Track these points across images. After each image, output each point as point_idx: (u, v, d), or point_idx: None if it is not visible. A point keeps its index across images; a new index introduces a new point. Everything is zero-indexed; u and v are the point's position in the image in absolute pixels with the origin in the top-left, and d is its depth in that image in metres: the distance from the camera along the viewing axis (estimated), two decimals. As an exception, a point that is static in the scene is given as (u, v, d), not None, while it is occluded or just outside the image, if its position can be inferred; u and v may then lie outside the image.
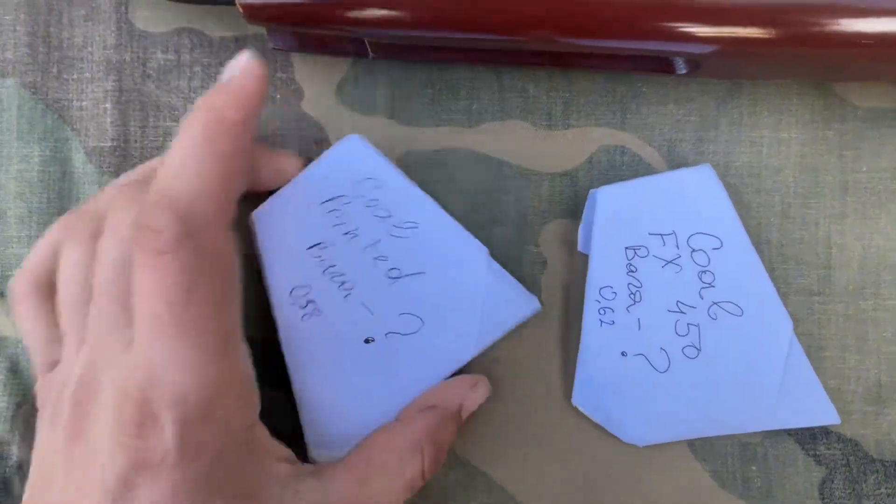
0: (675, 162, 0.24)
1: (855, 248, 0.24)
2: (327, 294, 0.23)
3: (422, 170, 0.24)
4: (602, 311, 0.23)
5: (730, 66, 0.21)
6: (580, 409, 0.23)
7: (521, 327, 0.24)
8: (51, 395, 0.19)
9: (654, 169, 0.24)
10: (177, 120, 0.24)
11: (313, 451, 0.23)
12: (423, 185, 0.24)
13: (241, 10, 0.19)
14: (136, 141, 0.24)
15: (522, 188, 0.24)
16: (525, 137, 0.24)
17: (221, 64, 0.24)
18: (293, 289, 0.23)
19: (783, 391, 0.23)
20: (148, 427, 0.16)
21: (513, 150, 0.24)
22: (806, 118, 0.24)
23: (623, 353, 0.23)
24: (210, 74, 0.24)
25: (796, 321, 0.24)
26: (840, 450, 0.24)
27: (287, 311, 0.23)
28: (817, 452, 0.24)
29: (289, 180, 0.22)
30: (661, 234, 0.23)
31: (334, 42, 0.22)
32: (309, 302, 0.23)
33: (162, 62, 0.24)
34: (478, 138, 0.24)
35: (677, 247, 0.23)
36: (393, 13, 0.19)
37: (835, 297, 0.24)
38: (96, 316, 0.17)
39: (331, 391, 0.23)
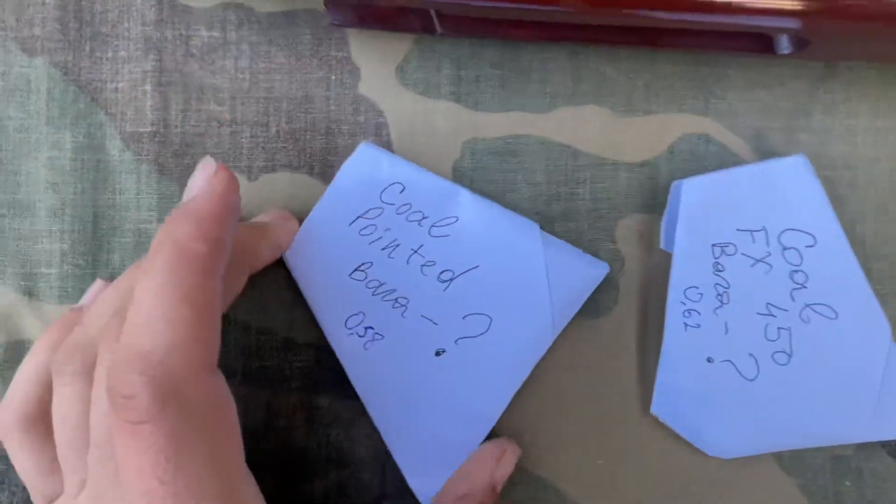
0: (764, 152, 0.22)
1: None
2: (384, 316, 0.21)
3: (488, 158, 0.22)
4: (686, 314, 0.21)
5: (840, 44, 0.19)
6: (660, 419, 0.22)
7: (597, 332, 0.22)
8: None
9: (741, 159, 0.22)
10: (222, 104, 0.22)
11: (411, 481, 0.21)
12: (491, 176, 0.22)
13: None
14: (176, 126, 0.22)
15: (598, 179, 0.22)
16: (601, 124, 0.22)
17: (271, 42, 0.22)
18: (347, 319, 0.21)
19: (880, 401, 0.22)
20: None
21: (588, 137, 0.22)
22: (905, 104, 0.22)
23: (709, 360, 0.22)
24: (258, 53, 0.22)
25: (894, 325, 0.22)
26: (938, 464, 0.23)
27: (346, 343, 0.21)
28: (915, 467, 0.22)
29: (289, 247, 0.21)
30: (751, 231, 0.21)
31: (398, 16, 0.20)
32: (367, 329, 0.21)
33: (206, 40, 0.22)
34: (549, 125, 0.22)
35: (767, 244, 0.22)
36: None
37: (934, 298, 0.23)
38: (95, 466, 0.16)
39: (413, 416, 0.21)
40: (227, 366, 0.22)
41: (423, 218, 0.21)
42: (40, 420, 0.18)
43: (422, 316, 0.21)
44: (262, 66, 0.22)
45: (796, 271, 0.22)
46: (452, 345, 0.21)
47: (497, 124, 0.22)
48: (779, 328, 0.22)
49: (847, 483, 0.22)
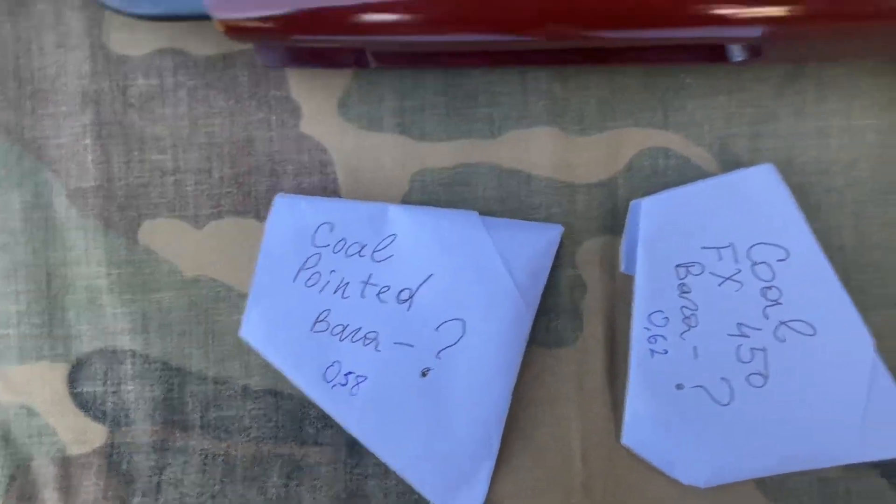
0: (729, 162, 0.21)
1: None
2: (360, 357, 0.21)
3: (439, 190, 0.21)
4: (652, 340, 0.20)
5: (795, 49, 0.18)
6: (632, 449, 0.21)
7: (561, 361, 0.21)
8: None
9: (705, 172, 0.21)
10: (164, 152, 0.21)
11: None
12: (441, 206, 0.21)
13: (220, 28, 0.16)
14: (120, 179, 0.21)
15: (554, 203, 0.21)
16: (554, 146, 0.21)
17: (209, 86, 0.21)
18: (324, 373, 0.21)
19: (866, 419, 0.20)
20: None
21: (540, 160, 0.21)
22: (883, 101, 0.21)
23: (678, 386, 0.21)
24: (197, 98, 0.21)
25: (878, 337, 0.21)
26: (937, 482, 0.21)
27: (332, 396, 0.21)
28: (910, 485, 0.21)
29: None
30: (717, 248, 0.20)
31: (331, 53, 0.19)
32: (347, 375, 0.21)
33: (143, 88, 0.21)
34: (500, 150, 0.21)
35: (736, 261, 0.20)
36: (392, 17, 0.16)
37: (923, 305, 0.21)
38: None
39: (422, 442, 0.21)
40: (184, 418, 0.22)
41: (362, 247, 0.21)
42: None
43: (395, 343, 0.21)
44: (202, 110, 0.21)
45: (769, 287, 0.20)
46: (435, 360, 0.21)
47: (445, 154, 0.21)
48: (752, 349, 0.21)
49: (836, 507, 0.21)
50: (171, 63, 0.21)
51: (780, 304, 0.20)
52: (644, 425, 0.21)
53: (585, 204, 0.21)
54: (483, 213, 0.21)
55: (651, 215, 0.20)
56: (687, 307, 0.20)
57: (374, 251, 0.21)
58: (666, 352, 0.20)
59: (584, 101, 0.21)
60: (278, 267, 0.21)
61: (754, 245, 0.20)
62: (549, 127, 0.21)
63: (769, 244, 0.20)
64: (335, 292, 0.21)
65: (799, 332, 0.20)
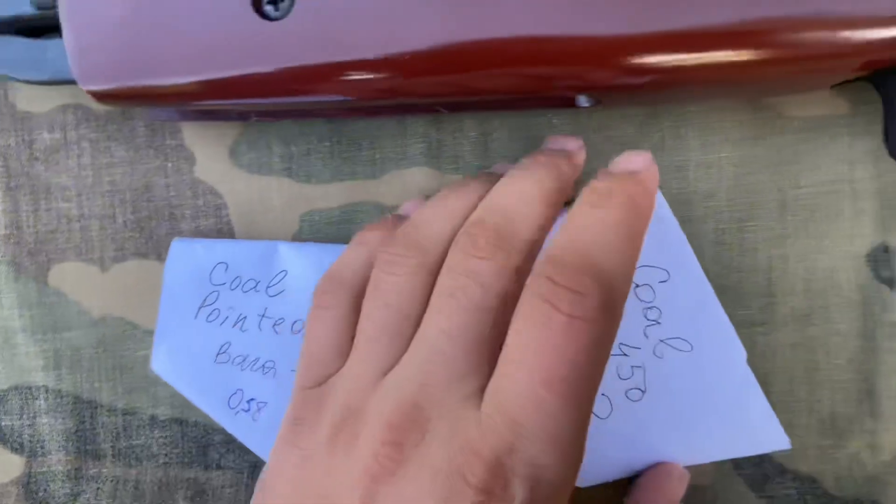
0: (597, 195, 0.23)
1: (798, 272, 0.22)
2: (259, 385, 0.22)
3: (327, 229, 0.23)
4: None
5: (637, 100, 0.20)
6: None
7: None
8: (329, 407, 0.17)
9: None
10: (69, 200, 0.23)
11: None
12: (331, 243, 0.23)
13: (90, 96, 0.18)
14: (29, 226, 0.23)
15: (435, 238, 0.23)
16: (432, 184, 0.23)
17: (109, 137, 0.23)
18: (228, 400, 0.22)
19: (733, 421, 0.22)
20: (495, 495, 0.14)
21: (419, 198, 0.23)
22: (736, 136, 0.22)
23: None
24: (99, 149, 0.23)
25: (740, 355, 0.22)
26: (796, 489, 0.23)
27: (237, 422, 0.22)
28: (771, 494, 0.23)
29: None
30: None
31: (216, 110, 0.21)
32: (250, 402, 0.22)
33: (49, 142, 0.23)
34: (381, 189, 0.23)
35: None
36: (258, 95, 0.18)
37: (779, 326, 0.22)
38: (433, 356, 0.16)
39: None
40: (96, 448, 0.23)
41: (257, 283, 0.22)
42: (356, 298, 0.19)
43: (291, 370, 0.22)
44: (104, 160, 0.23)
45: (649, 308, 0.22)
46: None
47: (331, 195, 0.23)
48: (632, 366, 0.22)
49: (703, 514, 0.23)
50: (74, 118, 0.23)
51: (659, 323, 0.22)
52: None
53: (463, 238, 0.23)
54: (368, 249, 0.23)
55: None
56: None
57: (267, 286, 0.22)
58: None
59: (458, 143, 0.23)
60: (180, 305, 0.22)
61: (638, 268, 0.22)
62: (427, 167, 0.23)
63: (652, 266, 0.22)
64: (234, 326, 0.22)
65: (677, 349, 0.22)
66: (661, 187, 0.22)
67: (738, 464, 0.23)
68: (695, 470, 0.23)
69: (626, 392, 0.22)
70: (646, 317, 0.22)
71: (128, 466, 0.23)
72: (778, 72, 0.17)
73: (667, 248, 0.22)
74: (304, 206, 0.23)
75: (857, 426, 0.22)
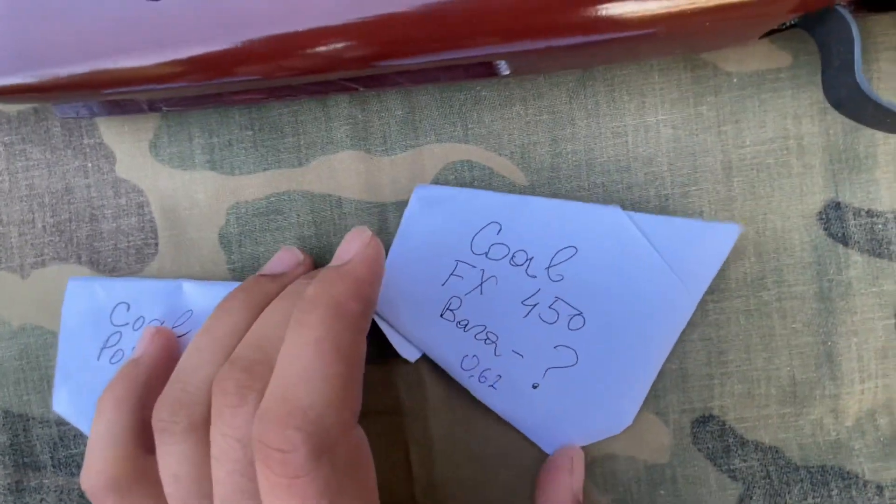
0: (532, 168, 0.22)
1: (747, 235, 0.21)
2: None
3: (254, 220, 0.22)
4: (482, 378, 0.21)
5: (560, 61, 0.19)
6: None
7: (399, 376, 0.22)
8: None
9: (509, 180, 0.22)
10: (-12, 208, 0.22)
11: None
12: (259, 237, 0.22)
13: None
14: (-53, 237, 0.22)
15: (367, 223, 0.22)
16: (360, 167, 0.22)
17: (24, 140, 0.22)
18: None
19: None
20: None
21: (349, 183, 0.22)
22: (674, 96, 0.21)
23: (535, 386, 0.21)
24: (14, 153, 0.22)
25: (690, 326, 0.21)
26: (758, 460, 0.22)
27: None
28: (732, 467, 0.22)
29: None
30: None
31: (123, 101, 0.20)
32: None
33: (-39, 147, 0.22)
34: (309, 177, 0.22)
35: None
36: (150, 70, 0.17)
37: (731, 292, 0.22)
38: None
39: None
40: (34, 460, 0.22)
41: (161, 323, 0.21)
42: (135, 478, 0.18)
43: None
44: (20, 164, 0.22)
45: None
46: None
47: (257, 185, 0.22)
48: (549, 307, 0.21)
49: (662, 492, 0.22)
50: (-14, 121, 0.22)
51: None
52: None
53: (396, 221, 0.22)
54: (297, 238, 0.22)
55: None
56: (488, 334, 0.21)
57: (173, 327, 0.21)
58: (500, 377, 0.21)
59: (385, 123, 0.22)
60: (80, 347, 0.21)
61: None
62: (354, 150, 0.22)
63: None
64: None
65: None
66: (600, 154, 0.21)
67: (696, 436, 0.22)
68: (650, 448, 0.22)
69: (568, 324, 0.21)
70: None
71: (70, 475, 0.22)
72: (672, 25, 0.16)
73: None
74: (230, 198, 0.22)
75: (819, 391, 0.21)
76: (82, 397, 0.21)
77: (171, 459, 0.17)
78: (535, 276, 0.21)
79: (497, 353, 0.21)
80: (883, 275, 0.21)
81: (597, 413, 0.21)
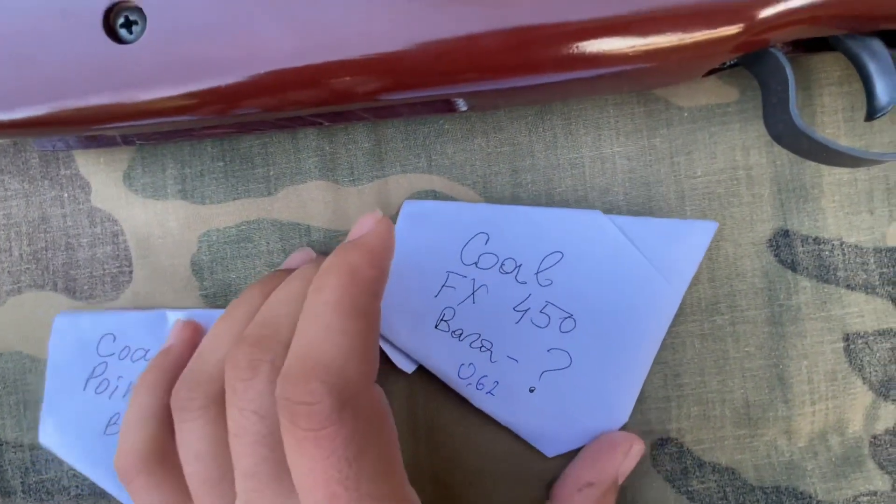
0: (494, 197, 0.22)
1: (701, 261, 0.22)
2: None
3: (225, 248, 0.23)
4: (480, 385, 0.22)
5: (507, 101, 0.20)
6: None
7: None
8: None
9: (473, 209, 0.22)
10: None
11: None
12: (230, 264, 0.23)
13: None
14: (-75, 265, 0.23)
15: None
16: (328, 197, 0.23)
17: (3, 170, 0.23)
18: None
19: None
20: None
21: (317, 212, 0.22)
22: (628, 129, 0.22)
23: (531, 389, 0.22)
24: (-7, 183, 0.23)
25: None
26: (715, 482, 0.22)
27: (125, 493, 0.22)
28: (690, 488, 0.22)
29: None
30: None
31: (98, 135, 0.21)
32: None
33: (-58, 178, 0.23)
34: (278, 206, 0.23)
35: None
36: (120, 109, 0.18)
37: (686, 317, 0.22)
38: (251, 494, 0.16)
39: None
40: (5, 485, 0.23)
41: (146, 352, 0.22)
42: (163, 459, 0.19)
43: None
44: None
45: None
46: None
47: (227, 214, 0.23)
48: (541, 312, 0.22)
49: (622, 514, 0.22)
50: (-35, 153, 0.23)
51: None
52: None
53: (363, 249, 0.23)
54: (267, 266, 0.23)
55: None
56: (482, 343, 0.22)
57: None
58: (497, 383, 0.22)
59: (353, 154, 0.22)
60: (66, 378, 0.22)
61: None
62: (322, 181, 0.23)
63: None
64: (124, 396, 0.22)
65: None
66: (559, 185, 0.22)
67: (655, 459, 0.22)
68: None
69: (560, 327, 0.22)
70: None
71: (39, 501, 0.23)
72: (610, 70, 0.17)
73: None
74: (201, 226, 0.23)
75: (772, 413, 0.22)
76: (67, 429, 0.22)
77: (190, 437, 0.17)
78: (525, 283, 0.21)
79: (493, 360, 0.21)
80: (830, 300, 0.22)
81: (594, 412, 0.22)
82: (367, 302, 0.16)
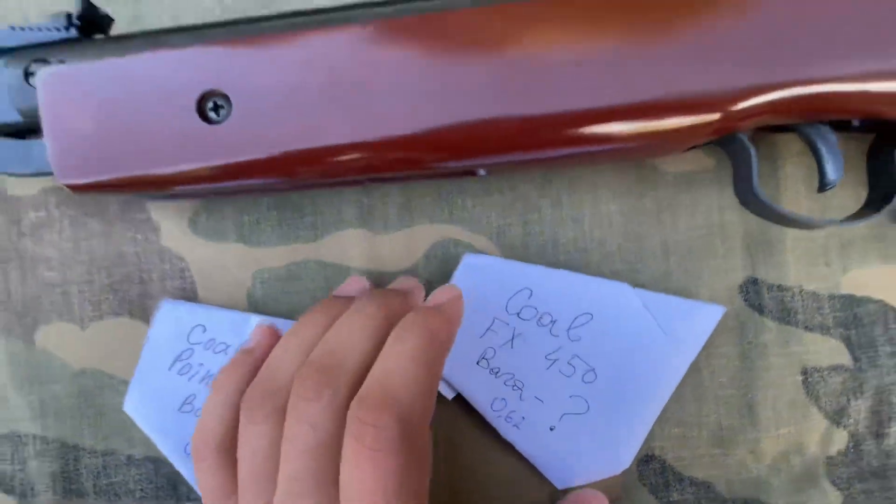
0: (506, 245, 0.26)
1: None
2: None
3: (276, 284, 0.26)
4: (508, 419, 0.25)
5: (522, 170, 0.24)
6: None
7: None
8: None
9: (487, 253, 0.26)
10: (52, 269, 0.27)
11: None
12: (280, 298, 0.26)
13: (67, 189, 0.21)
14: (17, 294, 0.27)
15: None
16: (364, 243, 0.26)
17: (86, 214, 0.27)
18: (185, 446, 0.25)
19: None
20: None
21: (355, 255, 0.26)
22: (622, 190, 0.26)
23: (552, 428, 0.25)
24: (78, 224, 0.27)
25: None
26: (693, 494, 0.26)
27: (189, 466, 0.25)
28: (671, 500, 0.26)
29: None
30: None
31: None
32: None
33: (34, 219, 0.27)
34: (322, 250, 0.26)
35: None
36: (206, 183, 0.22)
37: (669, 351, 0.26)
38: (288, 496, 0.19)
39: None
40: (79, 487, 0.26)
41: (227, 347, 0.26)
42: (230, 448, 0.22)
43: None
44: (82, 234, 0.26)
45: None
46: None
47: (279, 255, 0.26)
48: (568, 363, 0.25)
49: (612, 520, 0.26)
50: (55, 198, 0.27)
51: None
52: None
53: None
54: (314, 299, 0.26)
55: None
56: (511, 380, 0.25)
57: (237, 350, 0.25)
58: (523, 418, 0.25)
59: (386, 208, 0.26)
60: (158, 357, 0.26)
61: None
62: (360, 229, 0.26)
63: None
64: (201, 381, 0.26)
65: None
66: (563, 236, 0.26)
67: (641, 473, 0.26)
68: (605, 484, 0.26)
69: (582, 378, 0.25)
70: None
71: (108, 502, 0.26)
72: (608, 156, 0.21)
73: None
74: (254, 265, 0.26)
75: (742, 436, 0.26)
76: (149, 401, 0.25)
77: (251, 435, 0.20)
78: (557, 336, 0.25)
79: (522, 398, 0.25)
80: (791, 339, 0.26)
81: (602, 454, 0.25)
82: (436, 360, 0.20)
